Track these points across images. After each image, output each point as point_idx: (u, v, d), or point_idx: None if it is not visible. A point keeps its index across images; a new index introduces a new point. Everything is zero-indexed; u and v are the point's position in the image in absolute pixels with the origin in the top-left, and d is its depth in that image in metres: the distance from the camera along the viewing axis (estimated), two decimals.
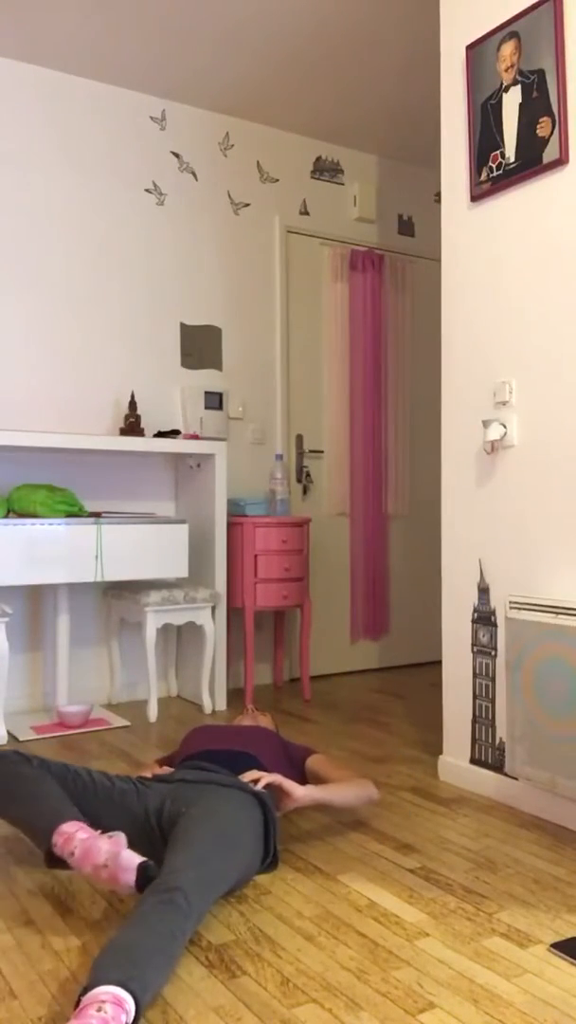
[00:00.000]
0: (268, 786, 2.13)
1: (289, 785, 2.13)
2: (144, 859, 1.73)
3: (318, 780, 2.36)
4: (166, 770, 2.24)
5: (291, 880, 2.01)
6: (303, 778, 2.39)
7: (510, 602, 2.45)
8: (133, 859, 1.73)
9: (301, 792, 2.14)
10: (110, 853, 1.75)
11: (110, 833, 1.81)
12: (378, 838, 2.26)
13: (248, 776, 2.12)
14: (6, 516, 3.25)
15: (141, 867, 1.72)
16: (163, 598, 3.47)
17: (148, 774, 2.24)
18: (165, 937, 1.52)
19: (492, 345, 2.61)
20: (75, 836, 1.82)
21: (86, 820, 1.95)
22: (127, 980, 1.39)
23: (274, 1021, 1.47)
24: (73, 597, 3.74)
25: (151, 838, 2.00)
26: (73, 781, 2.07)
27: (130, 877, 1.72)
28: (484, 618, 2.63)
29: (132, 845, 1.99)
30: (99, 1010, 1.34)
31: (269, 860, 2.03)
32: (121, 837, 1.79)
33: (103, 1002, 1.35)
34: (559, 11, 2.34)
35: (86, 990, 1.38)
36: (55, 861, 1.85)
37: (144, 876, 1.72)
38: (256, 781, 2.10)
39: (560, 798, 2.36)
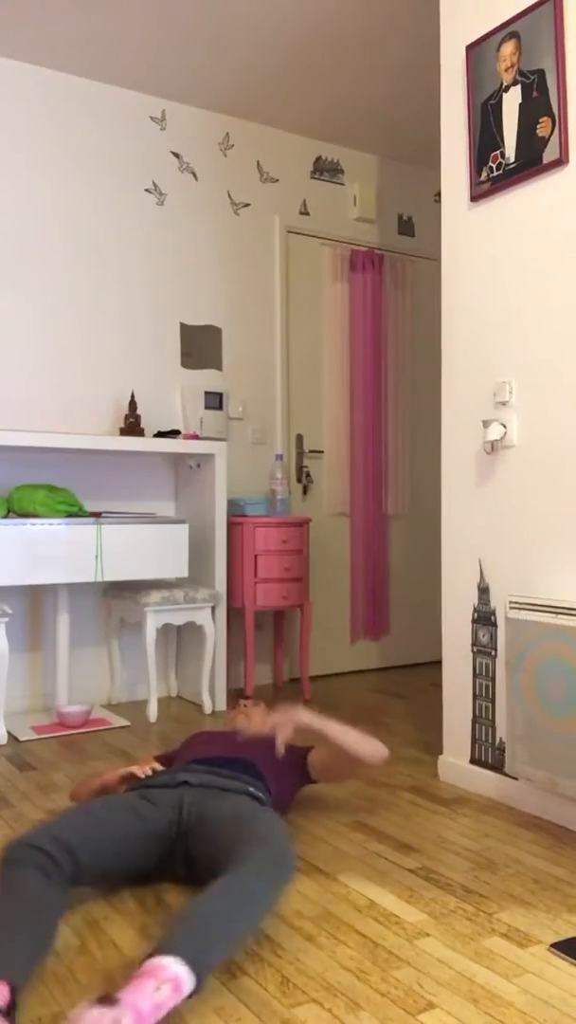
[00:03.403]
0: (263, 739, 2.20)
1: (280, 720, 2.21)
2: None
3: (324, 764, 2.38)
4: (159, 768, 2.23)
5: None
6: (306, 777, 2.40)
7: (510, 602, 2.45)
8: None
9: (302, 716, 2.22)
10: None
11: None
12: (378, 838, 2.26)
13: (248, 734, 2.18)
14: (6, 516, 3.25)
15: None
16: (163, 598, 3.47)
17: (144, 769, 2.22)
18: (241, 921, 1.57)
19: (492, 345, 2.61)
20: None
21: (13, 985, 1.43)
22: (197, 962, 1.42)
23: (274, 1021, 1.47)
24: (73, 597, 3.74)
25: (172, 850, 1.96)
26: (84, 846, 1.79)
27: None
28: (484, 618, 2.63)
29: (155, 858, 1.96)
30: (157, 989, 1.36)
31: None
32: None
33: (164, 981, 1.37)
34: (559, 11, 2.34)
35: (154, 954, 1.42)
36: None
37: None
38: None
39: (560, 798, 2.36)
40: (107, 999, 1.34)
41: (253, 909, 1.61)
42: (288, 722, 2.22)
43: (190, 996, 1.41)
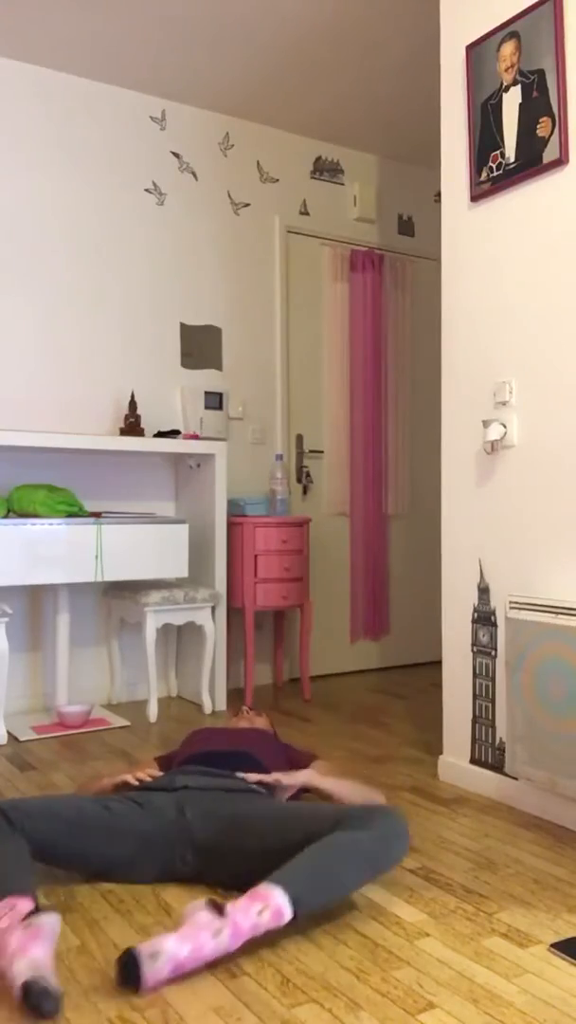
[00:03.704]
0: (265, 784, 2.13)
1: (287, 777, 2.16)
2: (32, 979, 1.44)
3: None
4: (156, 774, 2.22)
5: None
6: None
7: (510, 602, 2.45)
8: (22, 974, 1.45)
9: (302, 776, 2.19)
10: (11, 954, 1.50)
11: (40, 920, 1.55)
12: None
13: (251, 778, 2.13)
14: (6, 516, 3.25)
15: (24, 986, 1.44)
16: (163, 598, 3.47)
17: (139, 775, 2.20)
18: (352, 876, 1.77)
19: (492, 345, 2.61)
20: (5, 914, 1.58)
21: (31, 894, 1.66)
22: (299, 900, 1.63)
23: (274, 1021, 1.47)
24: (73, 597, 3.74)
25: (171, 848, 1.96)
26: (53, 823, 1.87)
27: (16, 991, 1.45)
28: (484, 618, 2.63)
29: (148, 860, 1.96)
30: (259, 913, 1.59)
31: None
32: (44, 929, 1.54)
33: (268, 907, 1.60)
34: (559, 11, 2.34)
35: (270, 880, 1.64)
36: None
37: (27, 991, 1.44)
38: (261, 782, 2.12)
39: (560, 798, 2.36)
40: (216, 906, 1.59)
41: (366, 869, 1.79)
42: (292, 787, 2.19)
43: (287, 925, 1.62)
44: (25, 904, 1.59)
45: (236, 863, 1.90)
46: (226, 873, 1.93)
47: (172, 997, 1.53)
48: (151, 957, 1.51)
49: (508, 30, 2.50)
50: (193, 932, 1.55)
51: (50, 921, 1.55)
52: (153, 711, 3.50)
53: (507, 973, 1.61)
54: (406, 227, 4.72)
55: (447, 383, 2.77)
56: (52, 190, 3.71)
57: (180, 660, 3.98)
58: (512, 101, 2.49)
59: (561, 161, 2.35)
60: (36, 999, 1.40)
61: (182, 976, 1.55)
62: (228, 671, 4.03)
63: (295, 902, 1.63)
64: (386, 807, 1.96)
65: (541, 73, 2.39)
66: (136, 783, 2.16)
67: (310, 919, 1.82)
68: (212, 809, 1.98)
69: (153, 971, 1.50)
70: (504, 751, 2.56)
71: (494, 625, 2.60)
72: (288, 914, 1.62)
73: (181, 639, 3.98)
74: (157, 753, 3.00)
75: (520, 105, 2.46)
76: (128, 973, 1.51)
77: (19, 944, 1.49)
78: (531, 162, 2.44)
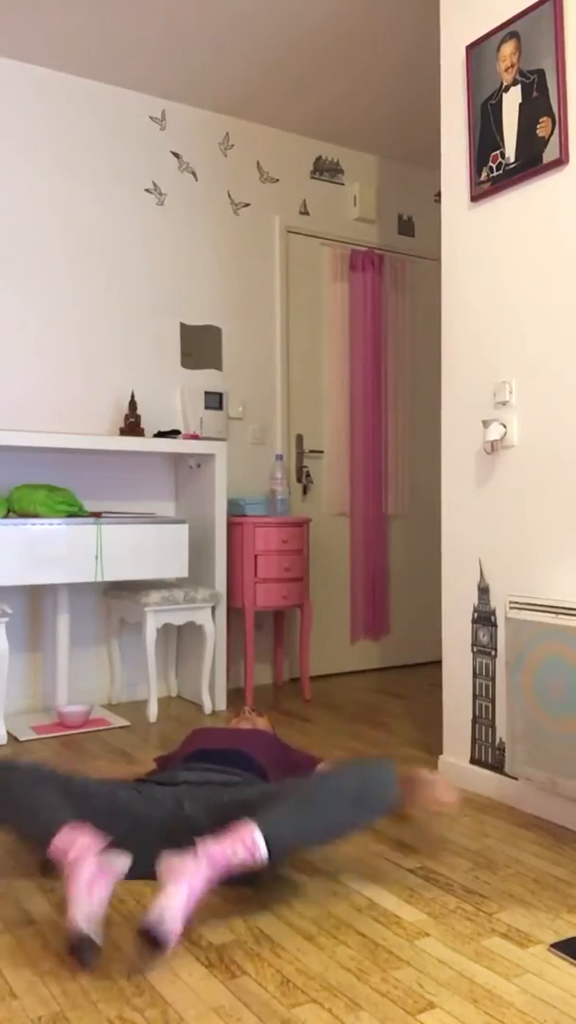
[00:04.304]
0: (265, 776, 2.21)
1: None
2: (84, 934, 1.58)
3: None
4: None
5: (291, 880, 2.01)
6: None
7: (510, 602, 2.45)
8: (79, 921, 1.59)
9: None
10: (79, 888, 1.65)
11: (112, 860, 1.72)
12: (378, 838, 2.26)
13: None
14: (6, 516, 3.25)
15: (76, 936, 1.59)
16: (163, 598, 3.47)
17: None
18: (328, 819, 1.82)
19: (492, 345, 2.61)
20: (76, 842, 1.74)
21: (85, 822, 1.89)
22: (271, 837, 1.70)
23: (274, 1021, 1.47)
24: (73, 597, 3.74)
25: (167, 836, 1.96)
26: (67, 785, 1.99)
27: (70, 932, 1.61)
28: (484, 618, 2.63)
29: (139, 843, 1.96)
30: (233, 848, 1.69)
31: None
32: (114, 868, 1.71)
33: (241, 842, 1.69)
34: (559, 11, 2.34)
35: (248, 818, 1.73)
36: (51, 868, 1.85)
37: (77, 943, 1.59)
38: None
39: (560, 798, 2.36)
40: (192, 850, 1.69)
41: (346, 810, 1.85)
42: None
43: (263, 870, 1.72)
44: (97, 839, 1.75)
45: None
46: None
47: (172, 997, 1.53)
48: (161, 921, 1.58)
49: (508, 30, 2.50)
50: (179, 879, 1.64)
51: (120, 862, 1.72)
52: (153, 711, 3.50)
53: (507, 973, 1.61)
54: (406, 227, 4.72)
55: (447, 383, 2.77)
56: (52, 190, 3.71)
57: (180, 660, 3.98)
58: (512, 101, 2.49)
59: (561, 161, 2.35)
60: (82, 953, 1.59)
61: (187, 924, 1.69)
62: (228, 671, 4.03)
63: (267, 839, 1.70)
64: (376, 758, 2.02)
65: (541, 73, 2.39)
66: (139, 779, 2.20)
67: (310, 920, 1.82)
68: (209, 799, 2.01)
69: (169, 931, 1.59)
70: (504, 751, 2.56)
71: (494, 625, 2.60)
72: (262, 848, 1.69)
73: (181, 639, 3.98)
74: (157, 753, 3.01)
75: (520, 105, 2.46)
76: (152, 944, 1.59)
77: (90, 877, 1.65)
78: (531, 162, 2.44)
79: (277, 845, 1.72)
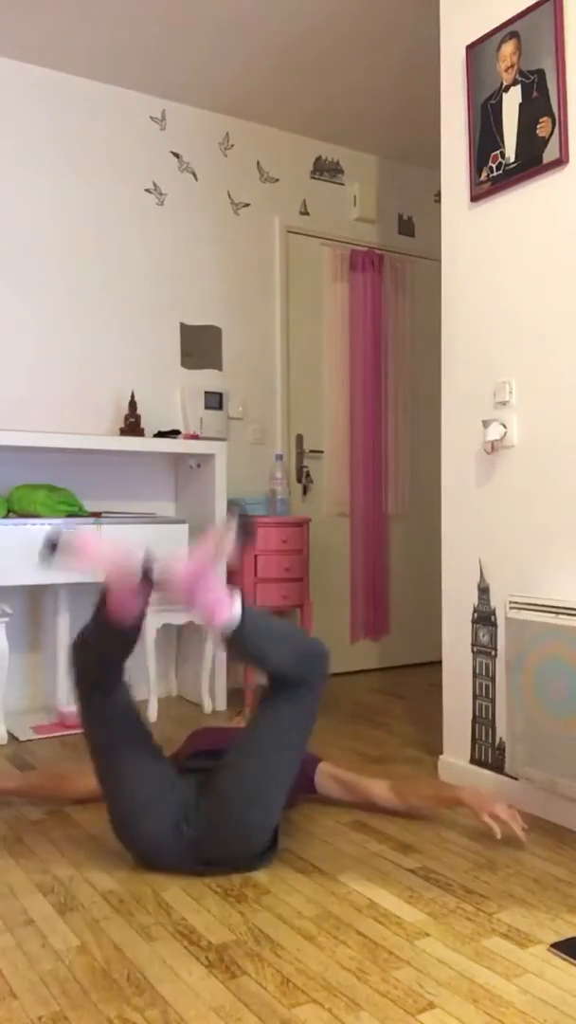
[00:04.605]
0: None
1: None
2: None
3: (339, 783, 2.40)
4: None
5: (291, 880, 2.01)
6: (310, 783, 2.39)
7: (510, 602, 2.45)
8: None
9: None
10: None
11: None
12: (378, 838, 2.26)
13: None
14: (6, 516, 3.25)
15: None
16: (163, 598, 3.47)
17: None
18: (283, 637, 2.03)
19: (492, 345, 2.61)
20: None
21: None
22: (245, 614, 1.93)
23: (274, 1021, 1.47)
24: (73, 597, 3.74)
25: (173, 810, 2.01)
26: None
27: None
28: (484, 618, 2.63)
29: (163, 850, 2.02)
30: (217, 585, 1.91)
31: (268, 847, 2.06)
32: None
33: (224, 588, 1.92)
34: (559, 11, 2.34)
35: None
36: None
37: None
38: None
39: (560, 798, 2.36)
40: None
41: (291, 651, 2.01)
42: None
43: (230, 635, 1.93)
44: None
45: (228, 815, 1.99)
46: (222, 836, 2.00)
47: (172, 997, 1.53)
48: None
49: (508, 30, 2.50)
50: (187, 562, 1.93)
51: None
52: (153, 711, 3.50)
53: (507, 973, 1.61)
54: (406, 227, 4.72)
55: (447, 383, 2.77)
56: (52, 190, 3.71)
57: (180, 660, 3.98)
58: (512, 101, 2.49)
59: (561, 161, 2.35)
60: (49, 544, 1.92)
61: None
62: (228, 671, 4.02)
63: (242, 612, 1.93)
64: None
65: (541, 73, 2.39)
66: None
67: (310, 920, 1.82)
68: (206, 783, 2.04)
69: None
70: (504, 751, 2.56)
71: (494, 625, 2.60)
72: (236, 612, 1.92)
73: (181, 639, 3.98)
74: None
75: (520, 105, 2.46)
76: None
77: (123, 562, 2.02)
78: (531, 162, 2.44)
79: (249, 621, 1.93)
